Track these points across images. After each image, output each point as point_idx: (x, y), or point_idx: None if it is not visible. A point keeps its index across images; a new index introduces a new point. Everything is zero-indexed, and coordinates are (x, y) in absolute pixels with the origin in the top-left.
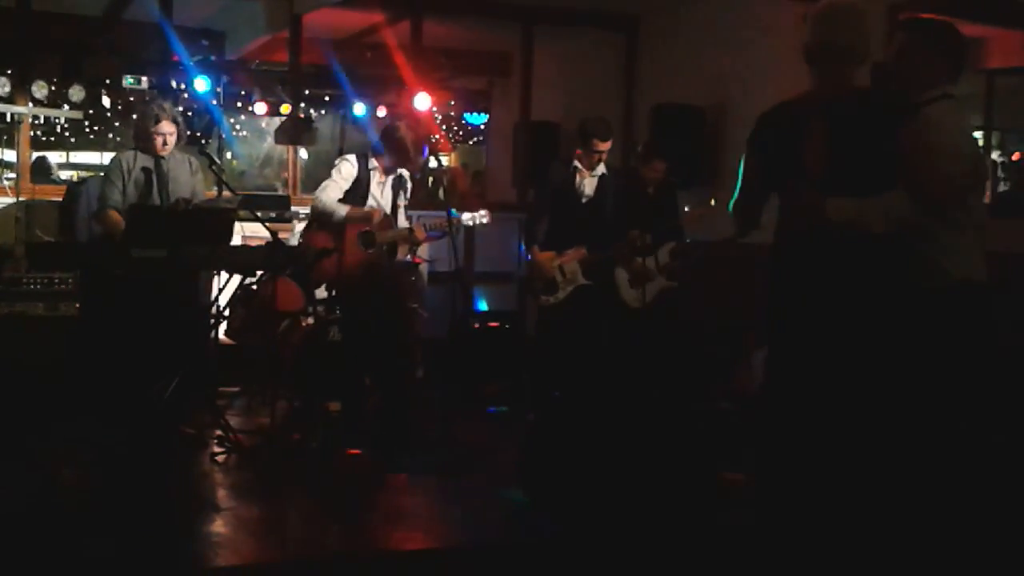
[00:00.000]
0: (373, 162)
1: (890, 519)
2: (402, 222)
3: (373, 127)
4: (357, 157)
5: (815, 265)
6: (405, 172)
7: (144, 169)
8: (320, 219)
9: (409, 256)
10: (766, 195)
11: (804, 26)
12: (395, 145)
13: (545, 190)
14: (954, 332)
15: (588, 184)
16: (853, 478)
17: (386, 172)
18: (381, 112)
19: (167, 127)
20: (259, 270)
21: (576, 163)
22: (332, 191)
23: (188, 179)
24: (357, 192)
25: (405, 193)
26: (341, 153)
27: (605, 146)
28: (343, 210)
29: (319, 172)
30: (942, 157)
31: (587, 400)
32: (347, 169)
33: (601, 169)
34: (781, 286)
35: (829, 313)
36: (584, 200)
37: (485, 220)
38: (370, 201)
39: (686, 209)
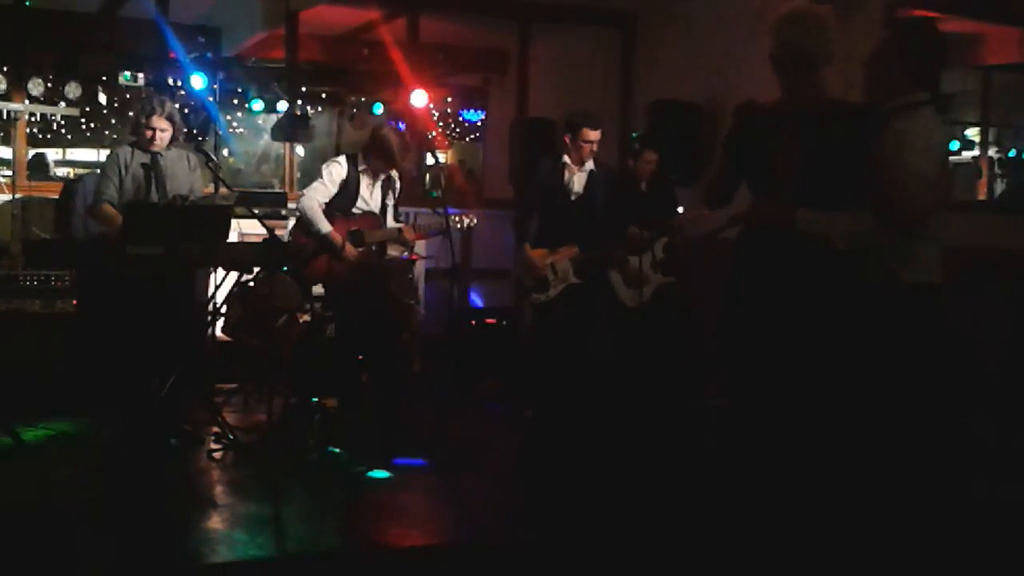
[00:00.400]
0: (363, 164)
1: (847, 511)
2: (391, 222)
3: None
4: (347, 158)
5: (772, 262)
6: (394, 173)
7: (143, 165)
8: (302, 223)
9: (405, 254)
10: (737, 183)
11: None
12: (381, 149)
13: (533, 187)
14: (905, 330)
15: (577, 180)
16: (808, 469)
17: (375, 174)
18: (378, 109)
19: (159, 122)
20: (256, 267)
21: (565, 158)
22: (318, 195)
23: (186, 175)
24: (347, 194)
25: (394, 193)
26: (338, 150)
27: (595, 135)
28: (325, 227)
29: (316, 169)
30: (905, 176)
31: (584, 398)
32: (336, 171)
33: (590, 165)
34: (740, 280)
35: (783, 309)
36: (573, 197)
37: (474, 222)
38: (359, 203)
39: (680, 210)
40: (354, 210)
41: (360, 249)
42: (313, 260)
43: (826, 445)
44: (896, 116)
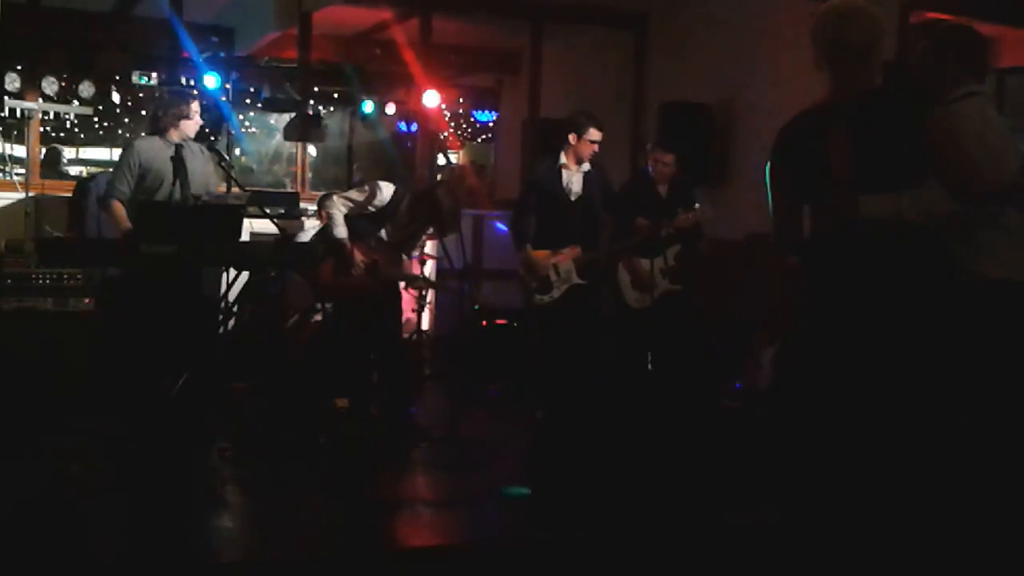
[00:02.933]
0: (407, 213)
1: (926, 518)
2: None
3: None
4: (396, 191)
5: (851, 267)
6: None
7: (162, 158)
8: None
9: (416, 253)
10: (801, 208)
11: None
12: (430, 209)
13: (531, 188)
14: (990, 330)
15: (576, 181)
16: (889, 476)
17: (413, 219)
18: (390, 109)
19: (198, 108)
20: (268, 267)
21: (563, 159)
22: (343, 205)
23: (202, 169)
24: (378, 221)
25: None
26: (351, 150)
27: (600, 135)
28: (343, 232)
29: (328, 169)
30: (973, 145)
31: (592, 400)
32: (379, 198)
33: (586, 166)
34: (818, 290)
35: (867, 314)
36: (574, 198)
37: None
38: (384, 234)
39: (680, 214)
40: (379, 237)
41: (370, 280)
42: (321, 264)
43: (903, 449)
44: (953, 103)
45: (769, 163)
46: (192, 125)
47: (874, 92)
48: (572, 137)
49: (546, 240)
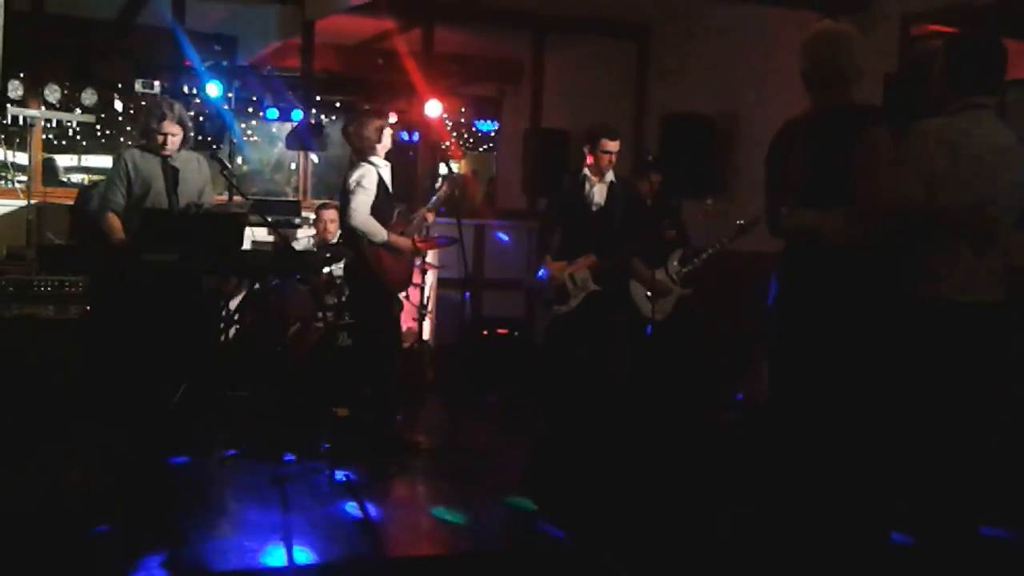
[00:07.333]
0: (375, 160)
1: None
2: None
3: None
4: (366, 162)
5: (803, 275)
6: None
7: (150, 167)
8: (367, 236)
9: (418, 261)
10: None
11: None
12: (357, 136)
13: (557, 201)
14: (923, 345)
15: (598, 192)
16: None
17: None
18: (392, 118)
19: (170, 127)
20: (269, 275)
21: (585, 171)
22: (365, 208)
23: (196, 177)
24: (383, 195)
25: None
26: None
27: (613, 146)
28: (384, 234)
29: (330, 177)
30: (890, 169)
31: (601, 411)
32: (370, 178)
33: (610, 176)
34: (778, 295)
35: (814, 322)
36: (594, 208)
37: None
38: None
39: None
40: (395, 210)
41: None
42: (381, 265)
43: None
44: (947, 115)
45: (765, 158)
46: (161, 139)
47: (836, 108)
48: (586, 149)
49: (567, 250)
